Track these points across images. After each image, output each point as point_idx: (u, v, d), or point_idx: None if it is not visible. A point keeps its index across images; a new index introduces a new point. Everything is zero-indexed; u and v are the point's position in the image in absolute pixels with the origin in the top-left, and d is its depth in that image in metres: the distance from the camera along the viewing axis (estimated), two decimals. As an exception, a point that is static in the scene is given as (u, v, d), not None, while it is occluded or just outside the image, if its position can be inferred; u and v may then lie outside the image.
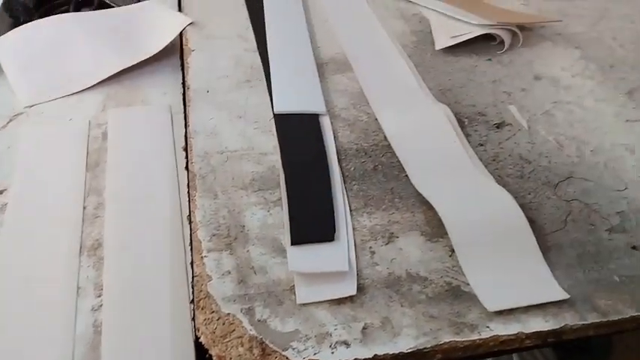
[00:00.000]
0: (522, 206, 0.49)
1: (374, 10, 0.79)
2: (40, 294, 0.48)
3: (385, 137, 0.58)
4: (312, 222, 0.48)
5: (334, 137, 0.58)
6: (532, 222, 0.48)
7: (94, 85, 0.69)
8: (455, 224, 0.47)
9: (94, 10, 0.80)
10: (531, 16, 0.77)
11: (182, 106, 0.66)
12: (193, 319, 0.43)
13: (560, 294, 0.42)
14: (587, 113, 0.61)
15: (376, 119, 0.60)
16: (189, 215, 0.52)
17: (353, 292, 0.43)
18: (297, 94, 0.62)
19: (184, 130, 0.62)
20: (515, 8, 0.80)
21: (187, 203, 0.53)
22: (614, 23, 0.77)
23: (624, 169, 0.54)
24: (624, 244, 0.47)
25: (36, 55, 0.72)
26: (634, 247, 0.47)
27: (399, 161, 0.55)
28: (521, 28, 0.72)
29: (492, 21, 0.70)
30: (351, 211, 0.50)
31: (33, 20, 0.75)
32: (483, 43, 0.71)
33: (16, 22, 0.76)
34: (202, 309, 0.42)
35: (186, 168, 0.57)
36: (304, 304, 0.42)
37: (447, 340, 0.40)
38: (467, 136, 0.58)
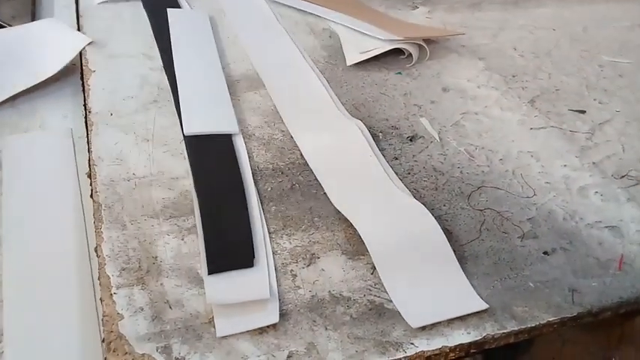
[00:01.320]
0: (438, 218, 0.49)
1: (283, 25, 0.78)
2: None
3: (301, 155, 0.57)
4: (229, 248, 0.46)
5: (249, 157, 0.56)
6: (449, 233, 0.49)
7: (-14, 111, 0.64)
8: (375, 241, 0.46)
9: (-18, 30, 0.74)
10: (436, 29, 0.79)
11: (85, 130, 0.62)
12: (105, 362, 0.40)
13: (480, 304, 0.43)
14: (494, 123, 0.63)
15: (291, 137, 0.59)
16: (96, 248, 0.48)
17: (275, 320, 0.41)
18: (207, 114, 0.60)
19: (88, 156, 0.58)
20: (421, 21, 0.82)
21: (94, 235, 0.50)
22: (513, 34, 0.80)
23: (531, 176, 0.56)
24: (536, 249, 0.48)
25: None
26: (545, 253, 0.48)
27: (316, 179, 0.54)
28: (428, 41, 0.74)
29: (400, 36, 0.71)
30: (270, 233, 0.48)
31: None
32: (393, 57, 0.72)
33: None
34: (114, 351, 0.39)
35: (91, 196, 0.53)
36: (225, 337, 0.40)
37: (374, 361, 0.40)
38: (382, 150, 0.58)
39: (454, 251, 0.47)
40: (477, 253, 0.48)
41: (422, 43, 0.73)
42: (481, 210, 0.52)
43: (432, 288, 0.44)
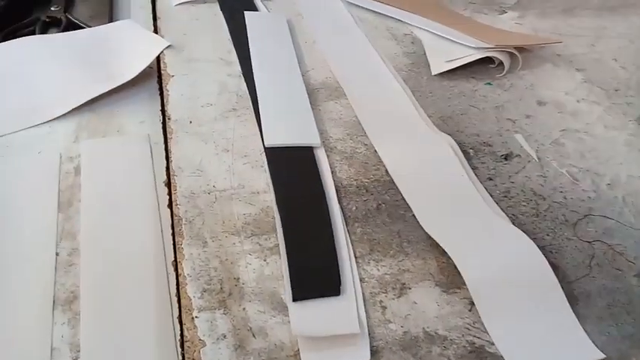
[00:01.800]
0: (542, 249, 0.45)
1: (363, 30, 0.75)
2: (9, 357, 0.42)
3: (387, 171, 0.53)
4: (314, 274, 0.43)
5: (332, 172, 0.53)
6: (554, 267, 0.44)
7: (65, 114, 0.63)
8: (473, 273, 0.42)
9: (62, 31, 0.74)
10: (529, 36, 0.74)
11: (162, 136, 0.60)
12: (185, 391, 0.38)
13: (595, 353, 0.38)
14: (598, 142, 0.57)
15: (375, 151, 0.56)
16: (174, 261, 0.47)
17: (367, 358, 0.38)
18: (288, 125, 0.57)
19: (165, 163, 0.56)
20: (509, 27, 0.77)
21: (171, 246, 0.48)
22: (612, 43, 0.74)
23: (644, 205, 0.51)
24: (655, 290, 0.43)
25: (0, 81, 0.66)
26: (666, 294, 0.43)
27: (403, 199, 0.50)
28: (520, 49, 0.69)
29: (490, 43, 0.67)
30: (356, 258, 0.45)
31: (-4, 42, 0.70)
32: (481, 66, 0.68)
33: (-23, 45, 0.70)
34: (196, 382, 0.37)
35: (169, 206, 0.52)
36: (312, 373, 0.37)
37: (474, 411, 0.36)
38: (474, 168, 0.54)
39: (562, 289, 0.42)
40: (588, 292, 0.43)
41: (514, 51, 0.68)
42: (589, 242, 0.47)
43: (540, 331, 0.40)
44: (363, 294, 0.42)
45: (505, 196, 0.51)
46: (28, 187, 0.55)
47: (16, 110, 0.63)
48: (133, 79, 0.66)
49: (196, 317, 0.40)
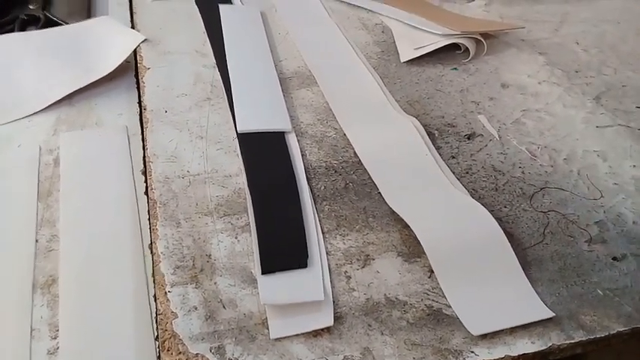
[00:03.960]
0: (499, 220, 0.47)
1: (335, 20, 0.77)
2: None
3: (355, 153, 0.55)
4: (283, 248, 0.45)
5: (302, 155, 0.55)
6: (510, 236, 0.46)
7: (44, 108, 0.65)
8: (432, 243, 0.45)
9: (40, 28, 0.76)
10: (494, 23, 0.77)
11: (139, 127, 0.62)
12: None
13: (545, 312, 0.41)
14: (556, 120, 0.60)
15: (344, 135, 0.58)
16: (151, 245, 0.49)
17: (330, 323, 0.40)
18: (260, 111, 0.59)
19: (142, 153, 0.58)
20: (477, 15, 0.79)
21: (149, 231, 0.50)
22: (575, 27, 0.77)
23: (598, 177, 0.53)
24: (605, 255, 0.46)
25: (-21, 78, 0.67)
26: (615, 259, 0.45)
27: (370, 178, 0.53)
28: (485, 35, 0.71)
29: (456, 30, 0.69)
30: (323, 233, 0.47)
31: (-25, 41, 0.71)
32: (448, 52, 0.70)
33: (-43, 44, 0.71)
34: (168, 350, 0.39)
35: (146, 193, 0.53)
36: (278, 339, 0.39)
37: (432, 369, 0.38)
38: (438, 148, 0.56)
39: (516, 255, 0.44)
40: (541, 257, 0.45)
41: (479, 37, 0.70)
42: (544, 212, 0.49)
43: (494, 294, 0.42)
44: (329, 265, 0.45)
45: (467, 173, 0.53)
46: (8, 179, 0.57)
47: (-3, 105, 0.65)
48: (110, 73, 0.68)
49: (169, 292, 0.42)
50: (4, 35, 0.72)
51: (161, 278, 0.43)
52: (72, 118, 0.64)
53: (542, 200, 0.51)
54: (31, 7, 0.79)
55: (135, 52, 0.70)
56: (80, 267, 0.49)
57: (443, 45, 0.69)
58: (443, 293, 0.42)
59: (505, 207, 0.50)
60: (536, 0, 0.82)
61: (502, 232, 0.45)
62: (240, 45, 0.70)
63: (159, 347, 0.40)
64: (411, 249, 0.46)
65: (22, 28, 0.76)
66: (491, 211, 0.48)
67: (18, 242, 0.51)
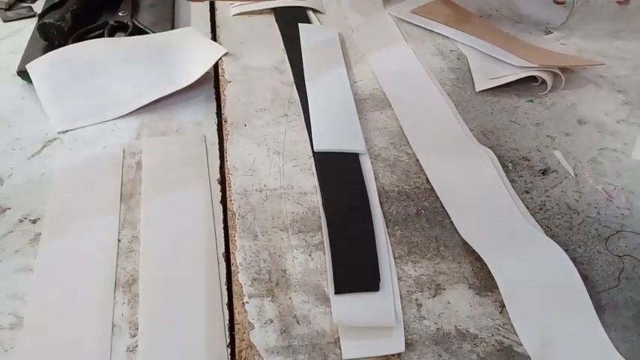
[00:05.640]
0: (573, 260, 0.47)
1: (411, 44, 0.78)
2: (74, 331, 0.47)
3: (427, 180, 0.56)
4: (356, 270, 0.46)
5: (375, 178, 0.56)
6: (584, 278, 0.46)
7: (129, 112, 0.68)
8: (505, 278, 0.45)
9: (128, 35, 0.80)
10: (573, 57, 0.76)
11: (216, 137, 0.65)
12: (232, 367, 0.42)
13: (617, 359, 0.40)
14: (634, 162, 0.59)
15: (417, 160, 0.59)
16: (225, 253, 0.51)
17: (401, 349, 0.41)
18: (336, 132, 0.61)
19: (219, 162, 0.61)
20: (554, 47, 0.79)
21: (223, 240, 0.52)
22: (656, 67, 0.75)
23: (676, 224, 0.52)
24: (681, 305, 0.45)
25: (70, 80, 0.71)
26: (692, 310, 0.45)
27: (442, 206, 0.53)
28: (563, 69, 0.71)
29: (534, 63, 0.69)
30: (395, 258, 0.48)
31: (67, 43, 0.75)
32: (524, 83, 0.70)
33: (51, 45, 0.75)
34: (244, 360, 0.40)
35: (222, 202, 0.56)
36: (350, 360, 0.41)
37: (500, 405, 0.39)
38: (512, 181, 0.56)
39: (590, 298, 0.44)
40: (615, 303, 0.45)
41: (557, 71, 0.70)
42: (620, 256, 0.49)
43: (566, 336, 0.42)
44: (400, 291, 0.46)
45: (541, 209, 0.53)
46: (93, 179, 0.60)
47: (84, 108, 0.69)
48: (191, 83, 0.71)
49: (247, 302, 0.44)
50: (95, 40, 0.76)
51: (239, 289, 0.45)
52: (154, 124, 0.67)
53: (618, 244, 0.50)
54: (120, 14, 0.83)
55: (216, 64, 0.73)
56: (158, 269, 0.51)
57: (519, 77, 0.69)
58: (514, 330, 0.43)
59: (579, 247, 0.50)
60: (615, 36, 0.81)
61: (577, 273, 0.45)
62: (317, 64, 0.71)
63: (230, 354, 0.42)
64: (483, 282, 0.46)
65: (111, 34, 0.80)
66: (565, 251, 0.48)
67: (102, 242, 0.54)
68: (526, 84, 0.70)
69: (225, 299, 0.48)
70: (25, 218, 0.55)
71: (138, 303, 0.49)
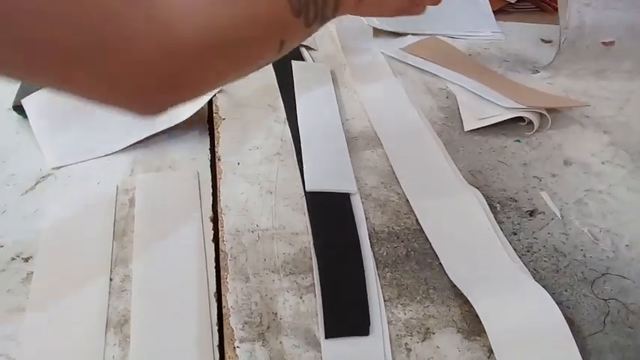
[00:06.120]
0: (560, 304, 0.48)
1: (401, 82, 0.80)
2: (64, 374, 0.47)
3: (417, 220, 0.57)
4: (346, 314, 0.47)
5: (366, 218, 0.57)
6: (570, 322, 0.47)
7: (122, 148, 0.69)
8: (493, 323, 0.46)
9: (124, 70, 0.81)
10: (560, 98, 0.78)
11: (210, 174, 0.65)
12: (223, 413, 0.42)
13: (604, 406, 0.41)
14: (620, 204, 0.60)
15: (407, 200, 0.60)
16: (216, 292, 0.51)
17: (391, 395, 0.41)
18: (328, 171, 0.62)
19: (212, 199, 0.61)
20: (541, 87, 0.81)
21: (214, 277, 0.52)
22: (640, 107, 0.77)
23: (660, 267, 0.53)
24: (666, 350, 0.46)
25: (65, 115, 0.72)
26: (676, 355, 0.45)
27: (431, 247, 0.54)
28: (550, 109, 0.72)
29: (522, 104, 0.71)
30: (385, 301, 0.49)
31: (64, 78, 0.76)
32: (511, 123, 0.72)
33: (47, 80, 0.76)
34: (235, 406, 0.41)
35: (213, 240, 0.56)
36: (340, 406, 0.41)
37: None
38: (499, 223, 0.57)
39: (576, 343, 0.45)
40: (601, 347, 0.46)
41: (544, 111, 0.71)
42: (605, 300, 0.50)
43: (553, 382, 0.43)
44: (390, 335, 0.46)
45: (528, 251, 0.54)
46: (86, 216, 0.61)
47: (78, 143, 0.69)
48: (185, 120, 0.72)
49: (238, 347, 0.45)
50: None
51: (230, 332, 0.46)
52: (148, 159, 0.68)
53: (604, 287, 0.51)
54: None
55: (210, 100, 0.74)
56: (150, 309, 0.51)
57: (507, 118, 0.70)
58: (502, 376, 0.43)
59: (566, 291, 0.51)
60: (600, 75, 0.84)
61: (564, 320, 0.46)
62: (310, 102, 0.73)
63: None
64: (471, 326, 0.47)
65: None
66: (552, 294, 0.48)
67: (94, 280, 0.54)
68: (513, 123, 0.72)
69: (217, 341, 0.48)
70: (18, 256, 0.55)
71: (129, 345, 0.49)
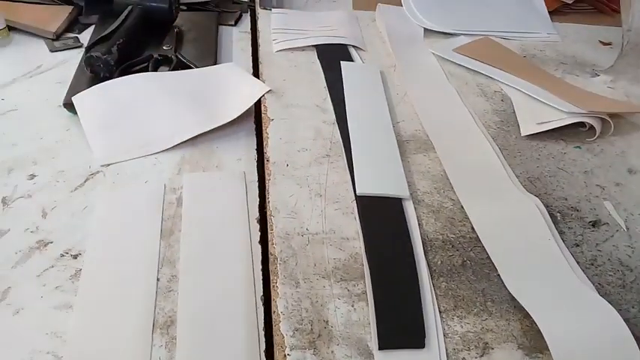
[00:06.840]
0: (627, 321, 0.45)
1: (453, 84, 0.77)
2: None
3: (472, 228, 0.55)
4: (400, 325, 0.45)
5: (418, 225, 0.55)
6: (638, 340, 0.44)
7: (170, 147, 0.69)
8: (557, 341, 0.43)
9: (172, 69, 0.80)
10: (622, 103, 0.74)
11: (255, 174, 0.64)
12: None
13: None
14: (690, 217, 0.57)
15: (462, 207, 0.57)
16: (264, 297, 0.50)
17: (449, 413, 0.39)
18: (379, 175, 0.60)
19: (258, 200, 0.60)
20: (601, 91, 0.77)
21: (260, 280, 0.51)
22: None
23: None
24: None
25: (115, 113, 0.72)
26: None
27: (488, 257, 0.52)
28: (612, 114, 0.69)
29: (583, 109, 0.67)
30: (440, 313, 0.47)
31: (113, 76, 0.76)
32: (571, 128, 0.68)
33: (96, 78, 0.77)
34: (285, 417, 0.39)
35: (260, 242, 0.55)
36: (395, 422, 0.39)
37: None
38: (561, 233, 0.54)
39: (646, 364, 0.42)
40: (674, 370, 0.43)
41: (606, 117, 0.68)
42: (677, 319, 0.47)
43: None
44: (446, 349, 0.44)
45: (592, 264, 0.52)
46: (134, 215, 0.60)
47: (127, 141, 0.69)
48: (233, 120, 0.71)
49: (288, 355, 0.43)
50: (139, 74, 0.77)
51: (280, 339, 0.44)
52: (195, 159, 0.67)
53: (675, 305, 0.48)
54: (164, 47, 0.84)
55: (259, 100, 0.73)
56: (197, 311, 0.51)
57: (568, 123, 0.67)
58: (567, 397, 0.41)
59: (633, 307, 0.48)
60: (665, 80, 0.79)
61: (632, 338, 0.43)
62: (360, 103, 0.71)
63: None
64: (533, 342, 0.45)
65: (156, 68, 0.81)
66: (618, 310, 0.46)
67: (141, 280, 0.53)
68: (573, 129, 0.69)
69: (263, 345, 0.47)
70: (67, 253, 0.55)
71: (175, 346, 0.48)
